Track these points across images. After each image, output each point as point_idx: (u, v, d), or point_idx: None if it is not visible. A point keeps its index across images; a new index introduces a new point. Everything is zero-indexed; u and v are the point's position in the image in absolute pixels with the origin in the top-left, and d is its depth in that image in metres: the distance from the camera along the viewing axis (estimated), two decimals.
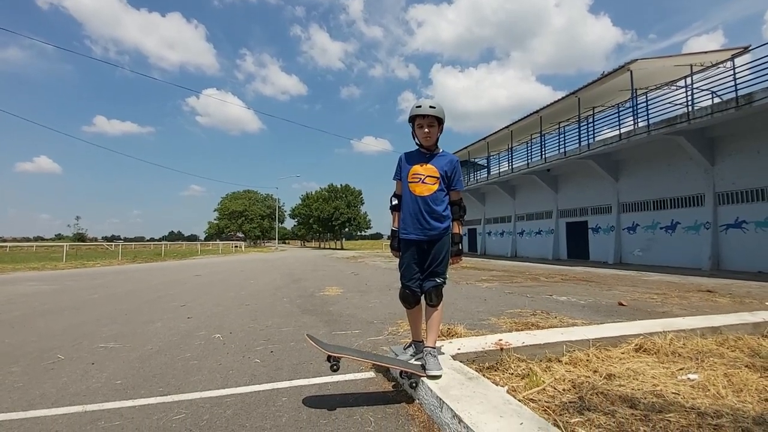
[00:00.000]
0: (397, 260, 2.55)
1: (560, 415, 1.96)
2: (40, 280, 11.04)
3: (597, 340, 2.98)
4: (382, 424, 2.03)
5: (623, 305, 6.03)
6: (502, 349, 2.76)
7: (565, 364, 2.67)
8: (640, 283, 9.26)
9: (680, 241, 14.42)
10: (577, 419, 1.91)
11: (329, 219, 53.82)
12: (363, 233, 65.65)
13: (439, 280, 2.41)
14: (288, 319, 4.85)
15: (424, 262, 2.43)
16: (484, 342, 2.91)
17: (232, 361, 3.18)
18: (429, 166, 2.45)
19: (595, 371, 2.53)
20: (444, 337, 3.32)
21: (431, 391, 2.07)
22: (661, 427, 1.81)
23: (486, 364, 2.69)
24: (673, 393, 2.16)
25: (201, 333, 4.21)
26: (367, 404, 2.28)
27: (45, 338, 4.07)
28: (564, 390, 2.25)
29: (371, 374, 2.79)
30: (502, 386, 2.31)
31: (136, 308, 5.93)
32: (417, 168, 2.46)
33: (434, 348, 2.38)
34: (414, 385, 2.22)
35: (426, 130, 2.41)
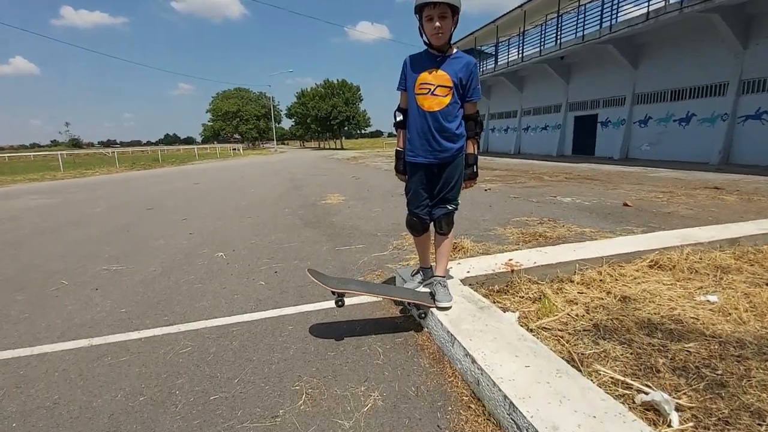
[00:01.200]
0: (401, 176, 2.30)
1: (574, 345, 1.90)
2: (40, 193, 10.95)
3: (610, 257, 2.87)
4: (391, 356, 2.00)
5: (628, 206, 5.93)
6: (512, 270, 2.66)
7: (578, 284, 2.58)
8: (646, 180, 9.08)
9: (692, 135, 13.90)
10: (592, 351, 1.85)
11: (327, 118, 51.79)
12: (363, 131, 63.82)
13: (450, 207, 2.18)
14: (291, 234, 4.78)
15: (433, 188, 2.17)
16: (494, 263, 2.80)
17: (236, 284, 3.14)
18: (440, 72, 2.02)
19: (608, 292, 2.45)
20: (451, 253, 3.23)
21: (441, 324, 2.00)
22: (680, 359, 1.75)
23: (496, 286, 2.61)
24: (692, 318, 2.08)
25: (204, 251, 4.16)
26: (374, 333, 2.25)
27: (49, 260, 4.04)
28: (578, 316, 2.18)
29: (377, 298, 2.75)
30: (513, 311, 2.25)
31: (137, 223, 5.87)
32: (425, 76, 2.03)
33: (444, 277, 2.26)
34: (423, 315, 2.15)
35: (437, 24, 1.92)
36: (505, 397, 1.42)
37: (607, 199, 6.53)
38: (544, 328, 2.08)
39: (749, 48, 12.09)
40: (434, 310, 2.13)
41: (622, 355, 1.81)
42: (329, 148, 54.77)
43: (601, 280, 2.59)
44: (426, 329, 2.23)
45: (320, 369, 1.92)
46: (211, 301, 2.82)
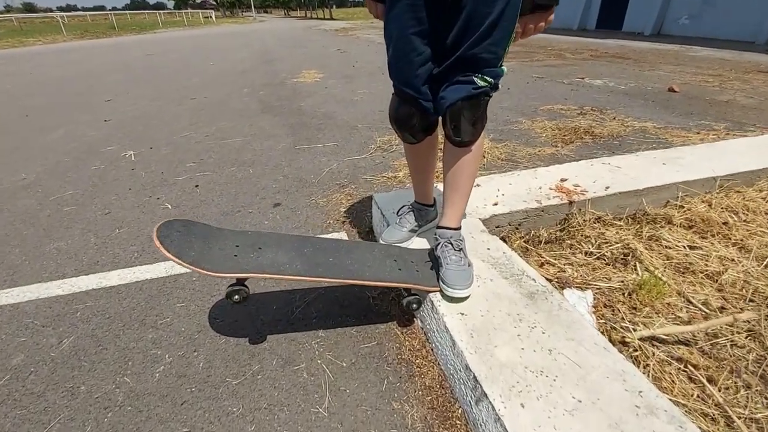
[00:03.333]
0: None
1: (728, 390, 0.91)
2: None
3: (727, 179, 1.74)
4: (346, 397, 1.01)
5: (675, 91, 4.65)
6: (571, 202, 1.55)
7: (683, 228, 1.51)
8: (687, 60, 7.47)
9: (741, 6, 11.48)
10: None
11: None
12: None
13: (482, 82, 0.94)
14: (240, 122, 3.49)
15: (446, 25, 0.91)
16: (537, 186, 1.67)
17: (127, 207, 2.03)
18: None
19: (742, 247, 1.39)
20: None
21: (454, 342, 0.95)
22: None
23: (543, 232, 1.52)
24: None
25: (110, 148, 2.94)
26: (323, 324, 1.23)
27: None
28: (710, 310, 1.15)
29: (341, 236, 1.68)
30: (582, 290, 1.21)
31: (46, 106, 4.46)
32: None
33: (458, 231, 1.15)
34: (414, 306, 1.09)
35: None
36: None
37: (646, 83, 5.14)
38: (658, 342, 1.06)
39: None
40: (438, 299, 1.07)
41: None
42: (317, 18, 47.96)
43: (724, 224, 1.50)
44: (419, 323, 1.20)
45: (197, 429, 0.94)
46: (73, 241, 1.74)
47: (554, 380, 0.83)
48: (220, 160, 2.64)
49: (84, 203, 2.10)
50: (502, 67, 0.97)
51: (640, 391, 0.80)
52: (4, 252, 1.67)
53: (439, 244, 1.12)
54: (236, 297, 0.94)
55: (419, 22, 0.91)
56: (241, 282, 0.95)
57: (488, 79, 0.94)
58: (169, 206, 2.03)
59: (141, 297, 1.38)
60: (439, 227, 1.15)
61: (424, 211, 1.32)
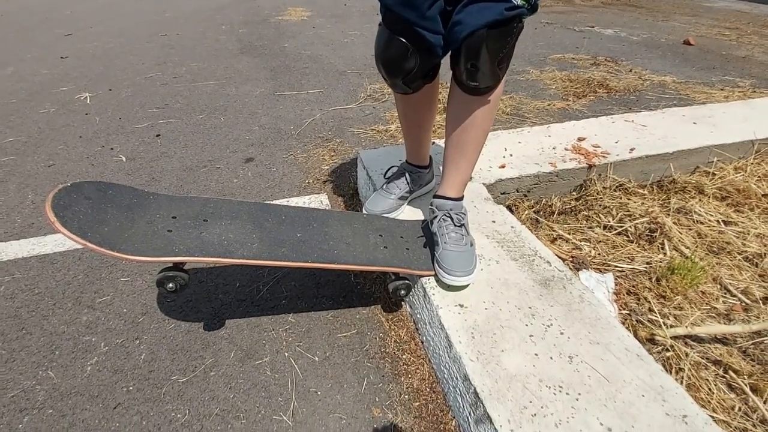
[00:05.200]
0: None
1: None
2: None
3: (765, 142, 1.52)
4: (317, 401, 0.83)
5: (690, 44, 4.32)
6: (591, 165, 1.32)
7: (716, 200, 1.30)
8: (702, 11, 6.98)
9: None
10: None
11: None
12: None
13: (517, 1, 0.68)
14: (215, 64, 3.11)
15: None
16: (550, 145, 1.43)
17: (76, 158, 1.75)
18: None
19: None
20: None
21: (450, 343, 0.77)
22: None
23: (557, 202, 1.31)
24: None
25: (63, 89, 2.58)
26: (293, 308, 1.03)
27: None
28: (752, 300, 0.97)
29: (323, 198, 1.46)
30: (601, 274, 1.02)
31: None
32: None
33: (461, 202, 0.92)
34: (402, 293, 0.89)
35: None
36: None
37: (660, 34, 4.75)
38: (692, 340, 0.88)
39: None
40: (432, 285, 0.87)
41: None
42: None
43: (764, 195, 1.30)
44: (408, 309, 1.01)
45: None
46: (8, 199, 1.49)
47: (576, 400, 0.65)
48: (188, 105, 2.32)
49: (25, 152, 1.81)
50: None
51: (685, 416, 0.63)
52: None
53: (436, 217, 0.90)
54: (170, 285, 0.72)
55: None
56: (177, 266, 0.74)
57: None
58: (123, 158, 1.76)
59: (79, 269, 1.16)
60: (436, 196, 0.93)
61: (417, 174, 1.08)
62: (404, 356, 0.91)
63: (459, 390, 0.74)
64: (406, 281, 0.89)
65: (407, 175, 1.07)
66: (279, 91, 2.55)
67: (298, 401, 0.82)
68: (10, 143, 1.90)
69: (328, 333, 0.97)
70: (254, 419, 0.79)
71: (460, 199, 0.92)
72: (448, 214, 0.89)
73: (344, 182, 1.57)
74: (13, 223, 1.36)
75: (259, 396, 0.83)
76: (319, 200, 1.47)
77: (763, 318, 0.91)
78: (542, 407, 0.65)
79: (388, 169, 1.13)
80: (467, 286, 0.85)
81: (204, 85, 2.66)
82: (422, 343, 0.93)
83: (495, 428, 0.62)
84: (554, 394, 0.66)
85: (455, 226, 0.88)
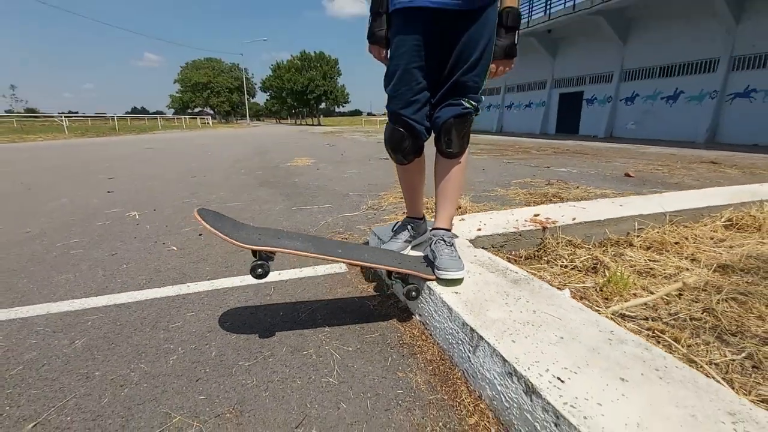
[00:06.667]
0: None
1: (698, 350, 1.04)
2: None
3: (676, 214, 2.02)
4: (355, 369, 1.08)
5: (630, 176, 5.28)
6: (544, 228, 1.77)
7: (642, 249, 1.72)
8: (638, 155, 8.53)
9: (679, 113, 13.56)
10: (730, 356, 0.98)
11: (303, 92, 49.39)
12: (341, 109, 61.57)
13: (468, 105, 1.24)
14: (239, 193, 3.76)
15: (440, 64, 1.22)
16: (514, 219, 1.91)
17: (134, 250, 2.13)
18: None
19: (693, 259, 1.60)
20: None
21: (450, 310, 1.08)
22: None
23: (522, 251, 1.72)
24: None
25: (114, 210, 3.10)
26: (329, 323, 1.32)
27: None
28: (669, 296, 1.31)
29: (341, 267, 1.82)
30: (560, 288, 1.36)
31: (48, 183, 4.68)
32: None
33: (449, 231, 1.34)
34: (414, 293, 1.22)
35: None
36: None
37: (605, 171, 5.82)
38: (625, 315, 1.20)
39: (741, 23, 11.67)
40: (434, 284, 1.21)
41: None
42: (306, 125, 52.53)
43: (676, 243, 1.73)
44: (417, 317, 1.31)
45: (215, 396, 0.98)
46: (81, 274, 1.81)
47: (539, 327, 0.96)
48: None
49: (90, 248, 2.20)
50: (482, 96, 1.27)
51: (612, 331, 0.94)
52: (12, 282, 1.73)
53: (432, 241, 1.30)
54: (259, 270, 1.07)
55: (420, 59, 1.22)
56: (266, 257, 1.09)
57: (473, 102, 1.24)
58: (175, 248, 2.15)
59: (151, 310, 1.45)
60: (432, 228, 1.34)
61: (415, 224, 1.51)
62: (418, 343, 1.18)
63: (459, 339, 1.02)
64: (416, 285, 1.23)
65: (408, 225, 1.50)
66: (295, 207, 3.11)
67: (339, 371, 1.07)
68: (76, 242, 2.29)
69: (357, 335, 1.24)
70: (308, 381, 1.03)
71: (449, 229, 1.33)
72: (441, 238, 1.29)
73: None
74: (90, 288, 1.66)
75: (309, 369, 1.08)
76: (339, 267, 1.84)
77: (668, 294, 1.24)
78: (516, 331, 0.94)
79: (395, 224, 1.56)
80: (460, 281, 1.20)
81: (233, 204, 3.23)
82: (431, 334, 1.21)
83: (486, 342, 0.91)
84: (523, 325, 0.97)
85: (447, 245, 1.27)
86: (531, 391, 0.76)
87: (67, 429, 0.89)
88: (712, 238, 1.84)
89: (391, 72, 1.27)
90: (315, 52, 50.64)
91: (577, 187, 3.67)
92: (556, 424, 0.70)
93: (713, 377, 0.90)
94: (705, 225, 2.01)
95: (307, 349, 1.17)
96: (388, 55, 1.29)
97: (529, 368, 0.80)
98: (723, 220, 2.04)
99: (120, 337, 1.27)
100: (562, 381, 0.76)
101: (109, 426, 0.89)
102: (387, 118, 1.36)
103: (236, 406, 0.95)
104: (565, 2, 15.99)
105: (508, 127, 22.21)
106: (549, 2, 16.76)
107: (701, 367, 0.94)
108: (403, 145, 1.34)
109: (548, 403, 0.72)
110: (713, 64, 12.57)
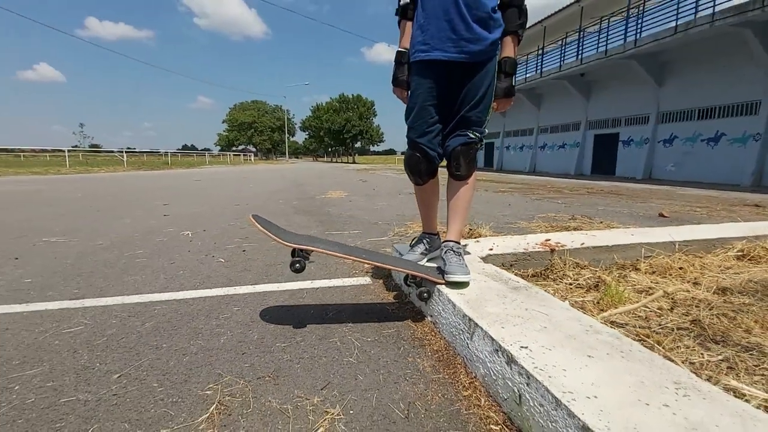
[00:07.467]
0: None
1: (673, 349, 1.16)
2: (32, 183, 10.54)
3: (686, 244, 2.12)
4: (372, 353, 1.27)
5: (665, 216, 5.18)
6: (553, 250, 1.93)
7: (647, 273, 1.84)
8: (677, 196, 8.29)
9: (721, 155, 13.14)
10: (707, 358, 1.10)
11: (340, 131, 51.76)
12: (376, 148, 63.70)
13: (472, 135, 1.48)
14: (278, 219, 4.10)
15: (450, 103, 1.48)
16: (525, 242, 2.07)
17: (188, 260, 2.45)
18: None
19: (695, 283, 1.70)
20: (466, 238, 2.50)
21: (454, 305, 1.27)
22: None
23: (530, 270, 1.87)
24: None
25: (169, 230, 3.51)
26: (352, 320, 1.53)
27: None
28: (661, 309, 1.43)
29: (366, 280, 2.03)
30: (561, 300, 1.51)
31: (112, 206, 5.27)
32: None
33: (458, 243, 1.54)
34: (426, 295, 1.42)
35: None
36: (585, 428, 0.69)
37: (638, 210, 5.76)
38: (615, 322, 1.34)
39: None
40: (443, 287, 1.40)
41: (757, 365, 1.06)
42: (342, 162, 54.53)
43: (680, 268, 1.84)
44: (429, 318, 1.50)
45: (256, 365, 1.20)
46: (147, 276, 2.13)
47: (527, 320, 1.13)
48: (263, 239, 3.14)
49: (152, 257, 2.54)
50: (485, 128, 1.51)
51: (591, 326, 1.09)
52: (91, 281, 2.07)
53: (443, 251, 1.50)
54: (297, 265, 1.31)
55: (434, 99, 1.49)
56: (303, 255, 1.34)
57: (477, 134, 1.48)
58: (222, 260, 2.45)
59: (204, 304, 1.71)
60: (444, 241, 1.55)
61: (430, 239, 1.72)
62: (427, 337, 1.36)
63: (460, 327, 1.20)
64: (428, 289, 1.43)
65: (424, 240, 1.71)
66: (328, 231, 3.39)
67: (359, 354, 1.27)
68: (141, 253, 2.65)
69: (376, 330, 1.44)
70: (333, 359, 1.23)
71: (458, 241, 1.54)
72: (451, 249, 1.49)
73: (380, 272, 2.17)
74: (154, 286, 1.97)
75: (334, 351, 1.28)
76: (365, 280, 2.05)
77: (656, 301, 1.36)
78: (506, 321, 1.12)
79: (413, 239, 1.77)
80: (466, 284, 1.39)
81: None
82: (439, 331, 1.39)
83: (480, 327, 1.09)
84: (514, 318, 1.14)
85: (455, 254, 1.47)
86: (511, 360, 0.93)
87: (143, 380, 1.14)
88: (719, 266, 1.92)
89: (410, 108, 1.54)
90: (353, 95, 53.45)
91: (601, 222, 3.75)
92: (527, 384, 0.87)
93: (672, 360, 1.03)
94: (716, 255, 2.09)
95: (332, 338, 1.38)
96: (408, 95, 1.57)
97: (511, 345, 0.98)
98: (735, 251, 2.11)
99: (181, 322, 1.53)
100: (537, 354, 0.93)
101: (175, 379, 1.13)
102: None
103: (273, 372, 1.17)
104: (598, 47, 16.36)
105: (542, 167, 22.14)
106: (580, 48, 17.15)
107: (672, 360, 1.07)
108: (419, 167, 1.58)
109: (522, 368, 0.89)
110: (755, 106, 12.29)
